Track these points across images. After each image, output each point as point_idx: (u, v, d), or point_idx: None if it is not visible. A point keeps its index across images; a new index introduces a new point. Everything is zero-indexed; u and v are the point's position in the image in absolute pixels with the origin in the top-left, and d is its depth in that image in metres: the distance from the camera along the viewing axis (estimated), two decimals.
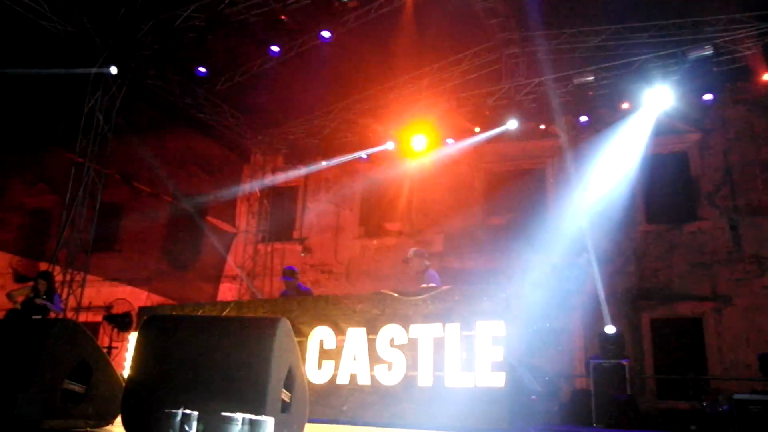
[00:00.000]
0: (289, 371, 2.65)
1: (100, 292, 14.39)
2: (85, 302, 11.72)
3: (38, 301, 8.14)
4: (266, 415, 2.25)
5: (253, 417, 1.90)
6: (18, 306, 8.28)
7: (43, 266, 12.31)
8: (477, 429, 4.75)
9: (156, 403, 2.39)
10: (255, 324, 2.51)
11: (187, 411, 1.86)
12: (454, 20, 11.30)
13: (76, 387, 2.96)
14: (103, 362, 3.22)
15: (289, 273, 7.42)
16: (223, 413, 1.86)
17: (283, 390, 2.58)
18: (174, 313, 6.63)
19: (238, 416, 1.88)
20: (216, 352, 2.44)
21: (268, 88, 12.47)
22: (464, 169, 14.12)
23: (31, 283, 8.51)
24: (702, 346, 11.60)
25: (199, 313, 6.49)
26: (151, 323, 2.68)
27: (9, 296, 8.54)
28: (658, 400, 11.42)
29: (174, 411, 1.86)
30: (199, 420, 1.90)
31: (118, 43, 10.54)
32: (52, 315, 8.45)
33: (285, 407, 2.60)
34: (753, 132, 12.11)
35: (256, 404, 2.29)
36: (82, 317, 12.16)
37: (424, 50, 12.01)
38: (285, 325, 2.58)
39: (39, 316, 8.16)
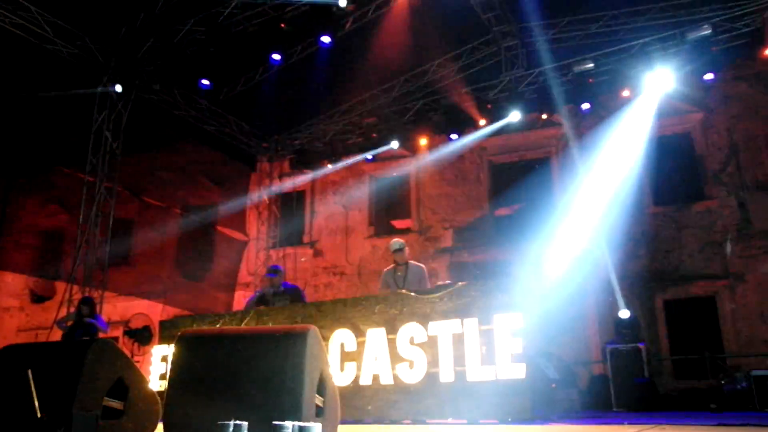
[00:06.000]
0: (321, 376, 2.76)
1: (116, 307, 14.58)
2: (103, 318, 11.89)
3: (87, 320, 8.42)
4: (302, 420, 2.35)
5: (302, 424, 1.99)
6: (66, 330, 8.60)
7: (60, 286, 12.48)
8: (501, 420, 4.85)
9: (197, 415, 2.50)
10: (286, 334, 2.61)
11: (238, 422, 1.95)
12: (451, 16, 11.37)
13: (116, 404, 3.07)
14: (138, 378, 3.33)
15: (273, 270, 7.62)
16: (274, 422, 1.96)
17: (316, 395, 2.68)
18: (195, 325, 6.75)
19: (288, 424, 1.97)
20: (251, 363, 2.54)
21: (270, 95, 12.58)
22: (469, 163, 14.20)
23: (73, 310, 8.84)
24: (717, 324, 11.64)
25: (219, 324, 6.62)
26: (186, 338, 2.78)
27: (58, 324, 8.88)
28: (676, 381, 11.48)
29: (226, 423, 1.95)
30: (249, 430, 1.99)
31: (121, 61, 10.68)
32: (101, 335, 8.69)
33: (319, 412, 2.70)
34: (756, 108, 12.13)
35: (292, 411, 2.39)
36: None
37: (422, 48, 12.09)
38: (315, 333, 2.69)
39: (87, 338, 8.41)
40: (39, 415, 2.27)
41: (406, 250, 6.88)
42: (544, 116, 12.30)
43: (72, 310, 9.47)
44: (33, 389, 2.30)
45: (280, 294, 7.41)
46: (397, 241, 6.91)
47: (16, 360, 2.83)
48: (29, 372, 2.34)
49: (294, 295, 7.46)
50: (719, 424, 4.56)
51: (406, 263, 6.82)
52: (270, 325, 6.14)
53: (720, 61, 10.90)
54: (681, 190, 12.53)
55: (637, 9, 11.07)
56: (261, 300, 7.48)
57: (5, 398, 2.52)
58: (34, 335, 14.77)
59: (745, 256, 11.61)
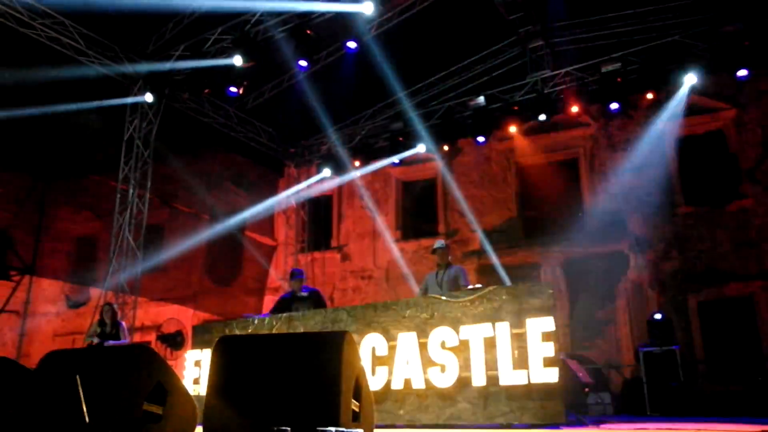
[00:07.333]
0: (356, 381, 2.77)
1: (148, 312, 14.81)
2: (137, 323, 12.10)
3: (108, 344, 8.54)
4: (340, 425, 2.37)
5: (345, 430, 2.01)
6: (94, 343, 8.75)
7: (95, 291, 12.73)
8: (533, 424, 4.81)
9: (236, 419, 2.54)
10: (322, 339, 2.63)
11: (283, 428, 1.97)
12: (476, 18, 11.35)
13: (156, 408, 3.12)
14: (177, 383, 3.38)
15: (299, 274, 7.71)
16: (318, 428, 1.97)
17: (353, 400, 2.69)
18: (227, 330, 6.83)
19: (332, 429, 1.99)
20: (288, 368, 2.57)
21: (297, 101, 12.71)
22: (496, 165, 14.12)
23: (97, 318, 8.94)
24: (754, 326, 11.36)
25: (249, 330, 6.68)
26: (224, 344, 2.82)
27: (87, 338, 9.05)
28: (712, 385, 11.21)
29: (271, 428, 1.97)
30: None
31: (152, 71, 10.88)
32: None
33: (355, 417, 2.72)
34: None
35: (330, 416, 2.41)
36: (136, 338, 12.55)
37: (447, 51, 12.09)
38: (350, 338, 2.70)
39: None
40: (87, 420, 2.32)
41: (448, 251, 6.95)
42: (575, 110, 12.02)
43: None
44: (81, 395, 2.36)
45: (304, 298, 7.49)
46: (438, 241, 7.03)
47: (61, 366, 2.91)
48: (77, 378, 2.40)
49: (316, 298, 7.55)
50: (762, 430, 4.45)
51: (447, 264, 6.86)
52: (301, 330, 6.19)
53: (753, 57, 10.64)
54: (713, 189, 12.26)
55: (666, 6, 10.89)
56: (287, 301, 7.56)
57: (53, 403, 2.59)
58: (70, 340, 15.09)
59: None
